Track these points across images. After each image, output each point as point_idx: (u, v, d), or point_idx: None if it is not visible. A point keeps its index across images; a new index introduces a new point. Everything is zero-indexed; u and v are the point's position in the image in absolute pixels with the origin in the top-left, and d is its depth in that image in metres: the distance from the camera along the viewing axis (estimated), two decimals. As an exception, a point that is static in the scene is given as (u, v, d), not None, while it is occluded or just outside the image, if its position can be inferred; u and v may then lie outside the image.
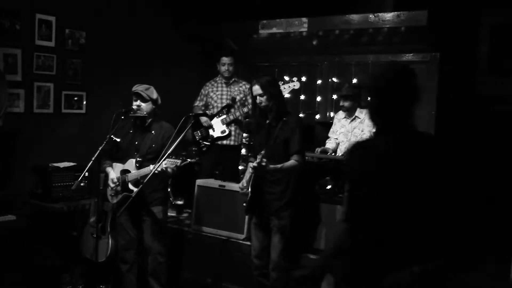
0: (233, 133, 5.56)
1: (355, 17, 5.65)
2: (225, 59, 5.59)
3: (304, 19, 5.98)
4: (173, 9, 6.54)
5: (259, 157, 3.70)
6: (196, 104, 5.75)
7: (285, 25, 6.10)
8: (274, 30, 6.19)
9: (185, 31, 6.62)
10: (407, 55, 5.69)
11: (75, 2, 5.54)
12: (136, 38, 6.09)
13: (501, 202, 6.70)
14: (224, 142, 5.56)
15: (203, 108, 5.70)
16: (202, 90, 5.76)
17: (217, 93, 5.65)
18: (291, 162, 3.92)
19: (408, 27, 5.34)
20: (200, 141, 5.55)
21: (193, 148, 5.74)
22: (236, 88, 5.65)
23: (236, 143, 5.62)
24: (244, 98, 5.63)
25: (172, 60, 6.46)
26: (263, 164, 3.69)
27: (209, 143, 5.52)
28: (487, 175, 6.87)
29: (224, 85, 5.66)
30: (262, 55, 6.68)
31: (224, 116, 5.50)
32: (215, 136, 5.52)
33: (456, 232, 2.18)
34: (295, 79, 5.22)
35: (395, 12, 5.39)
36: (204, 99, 5.72)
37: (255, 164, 3.72)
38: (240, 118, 5.53)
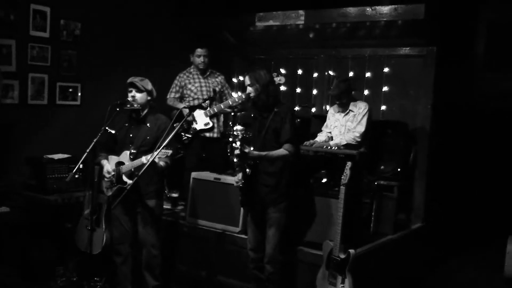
0: (215, 125, 5.52)
1: (352, 10, 5.62)
2: (200, 51, 5.53)
3: (301, 12, 5.95)
4: (170, 1, 6.50)
5: (238, 143, 3.72)
6: (171, 96, 5.64)
7: (282, 17, 6.07)
8: (271, 22, 6.16)
9: (182, 24, 6.57)
10: (404, 48, 5.65)
11: (70, -7, 5.50)
12: (132, 30, 6.05)
13: (495, 196, 6.73)
14: (207, 134, 5.52)
15: (178, 100, 5.65)
16: (176, 82, 5.66)
17: (195, 85, 5.59)
18: (279, 150, 3.93)
19: (405, 20, 5.31)
20: (182, 133, 5.47)
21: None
22: (213, 80, 5.63)
23: (218, 136, 5.59)
24: (221, 90, 5.62)
25: (168, 52, 6.40)
26: (246, 151, 3.73)
27: (190, 135, 5.44)
28: (482, 169, 6.90)
29: (200, 76, 5.62)
30: (259, 48, 6.63)
31: (207, 108, 5.44)
32: (198, 128, 5.41)
33: None
34: (278, 74, 5.18)
35: (392, 6, 5.37)
36: (180, 90, 5.65)
37: (237, 151, 3.74)
38: (226, 109, 5.48)
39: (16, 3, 5.07)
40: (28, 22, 5.17)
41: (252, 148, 3.85)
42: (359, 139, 4.84)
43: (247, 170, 3.92)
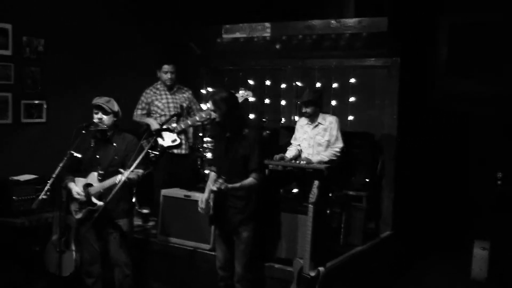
0: (183, 141, 5.51)
1: (317, 22, 5.69)
2: (167, 67, 5.48)
3: (267, 24, 5.99)
4: (136, 15, 6.40)
5: (220, 181, 3.75)
6: (138, 112, 5.57)
7: (248, 29, 6.10)
8: (238, 34, 6.17)
9: (149, 36, 6.52)
10: (369, 59, 5.73)
11: (32, 9, 5.39)
12: (97, 45, 5.96)
13: (457, 199, 6.89)
14: (175, 151, 5.50)
15: (145, 116, 5.60)
16: (143, 98, 5.58)
17: (162, 101, 5.53)
18: (250, 180, 3.95)
19: (369, 33, 5.42)
20: (149, 150, 5.42)
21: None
22: (181, 96, 5.61)
23: (187, 152, 5.58)
24: (189, 105, 5.63)
25: (135, 67, 6.32)
26: (223, 188, 3.75)
27: (158, 153, 5.40)
28: (447, 174, 7.05)
29: (168, 92, 5.57)
30: (226, 59, 6.63)
31: (175, 125, 5.41)
32: (165, 145, 5.38)
33: None
34: (245, 89, 5.23)
35: (357, 18, 5.46)
36: (147, 107, 5.57)
37: (214, 188, 3.77)
38: (196, 124, 5.48)
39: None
40: (-12, 40, 5.07)
41: (224, 179, 3.82)
42: (339, 154, 4.89)
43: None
